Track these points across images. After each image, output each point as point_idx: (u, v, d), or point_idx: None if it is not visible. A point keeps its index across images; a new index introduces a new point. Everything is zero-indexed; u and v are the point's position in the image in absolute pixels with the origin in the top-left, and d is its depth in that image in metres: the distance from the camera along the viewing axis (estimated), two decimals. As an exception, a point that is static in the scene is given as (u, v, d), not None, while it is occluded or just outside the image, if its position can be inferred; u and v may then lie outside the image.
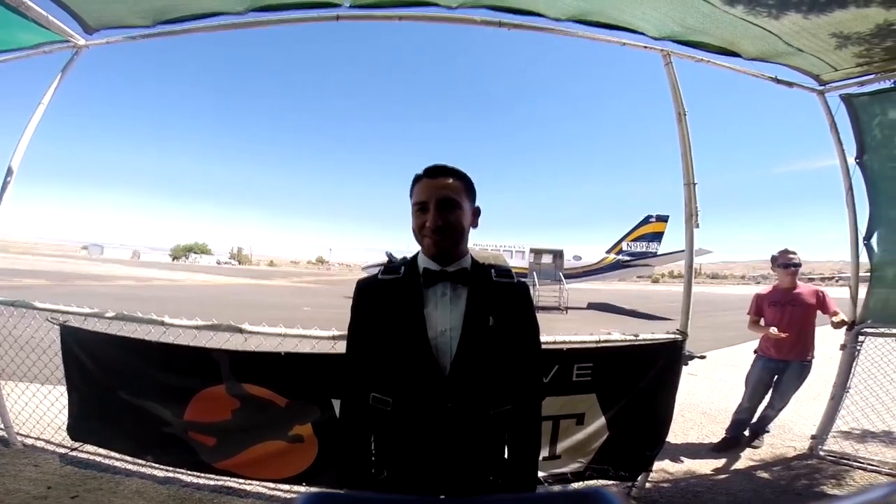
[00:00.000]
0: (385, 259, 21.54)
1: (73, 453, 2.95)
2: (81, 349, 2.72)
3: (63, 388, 2.82)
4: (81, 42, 3.02)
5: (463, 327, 1.29)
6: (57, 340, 2.78)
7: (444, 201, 1.29)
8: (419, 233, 1.33)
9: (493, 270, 1.39)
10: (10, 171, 3.04)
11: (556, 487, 2.64)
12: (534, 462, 1.39)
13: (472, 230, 1.42)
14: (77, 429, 2.80)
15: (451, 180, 1.32)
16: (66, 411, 2.81)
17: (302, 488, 2.60)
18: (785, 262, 3.83)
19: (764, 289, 4.11)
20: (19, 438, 3.08)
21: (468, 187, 1.37)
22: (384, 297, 1.36)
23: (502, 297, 1.36)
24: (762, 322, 3.91)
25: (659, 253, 23.43)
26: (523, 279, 1.47)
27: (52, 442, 3.09)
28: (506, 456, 1.39)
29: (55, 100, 3.14)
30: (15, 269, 24.32)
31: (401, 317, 1.31)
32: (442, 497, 1.31)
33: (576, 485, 2.68)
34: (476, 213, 1.42)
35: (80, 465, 2.84)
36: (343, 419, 1.41)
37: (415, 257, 1.40)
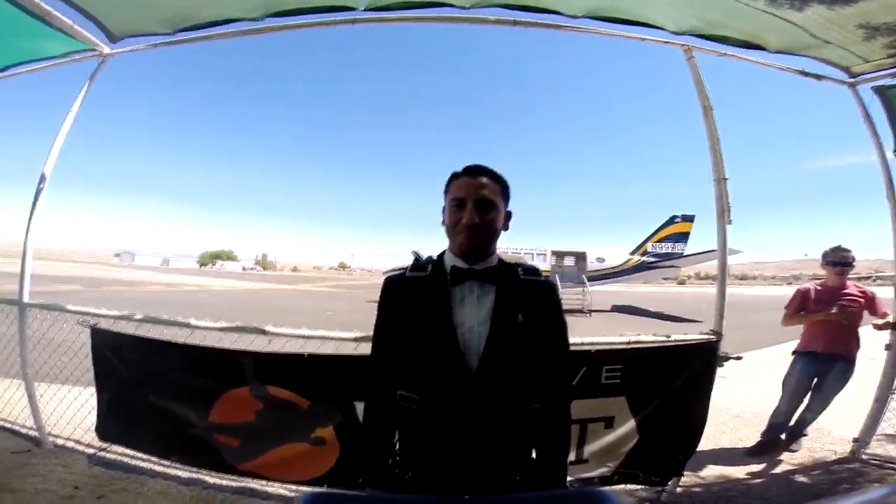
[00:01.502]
0: (398, 266, 21.62)
1: (101, 454, 3.01)
2: (111, 351, 2.77)
3: (93, 390, 2.87)
4: (106, 50, 3.10)
5: (491, 324, 1.28)
6: (88, 343, 2.84)
7: (481, 200, 1.30)
8: (453, 229, 1.34)
9: (520, 269, 1.39)
10: (42, 178, 3.12)
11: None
12: (563, 462, 1.37)
13: (502, 233, 1.41)
14: (105, 429, 2.85)
15: (489, 181, 1.34)
16: (95, 412, 2.87)
17: (322, 490, 2.59)
18: (836, 260, 3.66)
19: (809, 284, 3.92)
20: (51, 439, 3.16)
21: (504, 190, 1.38)
22: (411, 295, 1.36)
23: (530, 295, 1.35)
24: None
25: (685, 254, 22.87)
26: (546, 280, 1.46)
27: (81, 442, 3.15)
28: (533, 455, 1.37)
29: (85, 108, 3.23)
30: (50, 275, 25.25)
31: (428, 314, 1.31)
32: (443, 497, 1.29)
33: (615, 488, 2.61)
34: (508, 216, 1.42)
35: (108, 466, 2.89)
36: (368, 417, 1.41)
37: (441, 255, 1.41)
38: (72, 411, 3.27)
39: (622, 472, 2.60)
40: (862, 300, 3.56)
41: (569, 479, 2.48)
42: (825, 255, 3.74)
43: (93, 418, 2.89)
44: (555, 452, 1.36)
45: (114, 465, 2.90)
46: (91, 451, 3.05)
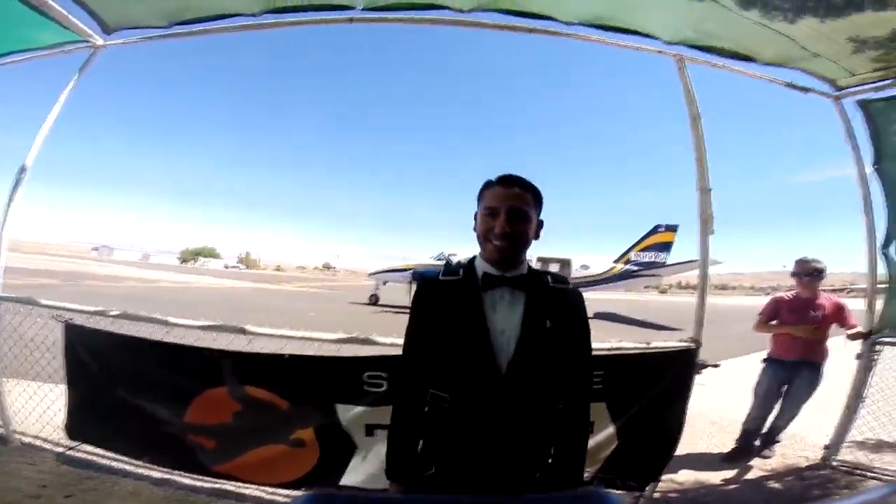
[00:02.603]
0: (383, 268, 21.70)
1: (70, 452, 2.92)
2: (84, 347, 2.70)
3: (63, 387, 2.79)
4: (100, 42, 3.03)
5: (521, 329, 1.34)
6: (61, 338, 2.76)
7: (514, 211, 1.34)
8: (484, 237, 1.38)
9: (549, 277, 1.45)
10: (23, 170, 3.03)
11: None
12: (581, 460, 1.44)
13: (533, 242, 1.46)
14: (75, 427, 2.77)
15: (522, 191, 1.37)
16: (64, 410, 2.79)
17: (323, 491, 2.56)
18: (804, 271, 3.74)
19: (784, 294, 4.00)
20: (17, 436, 3.06)
21: (537, 200, 1.42)
22: (444, 297, 1.40)
23: (558, 302, 1.41)
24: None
25: (668, 263, 23.20)
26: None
27: (49, 440, 3.05)
28: (552, 453, 1.42)
29: (73, 100, 3.15)
30: (26, 268, 24.54)
31: (462, 317, 1.35)
32: (445, 496, 1.32)
33: None
34: (539, 225, 1.46)
35: (77, 465, 2.81)
36: (398, 412, 1.45)
37: (472, 261, 1.46)
38: (41, 408, 3.17)
39: (601, 477, 2.60)
40: (831, 311, 3.64)
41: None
42: (794, 268, 3.83)
43: (62, 416, 2.81)
44: (574, 451, 1.43)
45: (83, 464, 2.82)
46: (59, 449, 2.96)
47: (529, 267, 1.44)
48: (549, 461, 1.40)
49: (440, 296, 1.41)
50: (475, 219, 1.44)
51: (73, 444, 2.91)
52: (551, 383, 1.37)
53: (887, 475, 3.26)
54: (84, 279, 23.42)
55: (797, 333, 3.64)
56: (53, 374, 3.02)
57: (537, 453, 1.38)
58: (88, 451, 2.90)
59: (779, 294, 4.07)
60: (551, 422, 1.39)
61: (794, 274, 3.82)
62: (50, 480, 2.61)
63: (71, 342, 2.73)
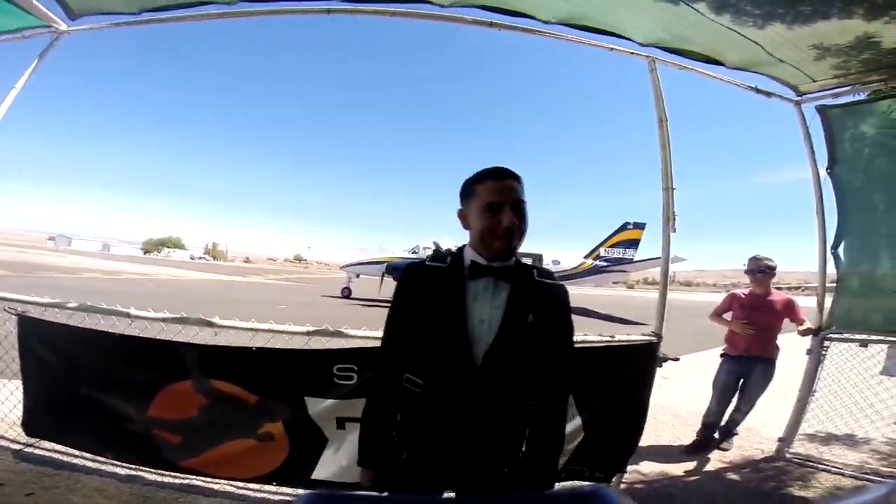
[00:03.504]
0: (356, 261, 21.50)
1: (29, 450, 2.80)
2: (40, 341, 2.59)
3: (19, 382, 2.68)
4: (63, 27, 2.90)
5: (502, 320, 1.33)
6: (14, 332, 2.65)
7: (517, 203, 1.34)
8: (490, 233, 1.34)
9: (535, 270, 1.43)
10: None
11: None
12: (555, 460, 1.43)
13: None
14: (33, 424, 2.67)
15: (517, 182, 1.36)
16: (20, 406, 2.68)
17: (272, 488, 2.53)
18: (754, 268, 3.92)
19: (740, 291, 4.19)
20: (-30, 434, 2.91)
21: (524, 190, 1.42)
22: (429, 283, 1.39)
23: (542, 296, 1.40)
24: (728, 318, 4.03)
25: (635, 259, 23.83)
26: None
27: (5, 438, 2.92)
28: (524, 450, 1.42)
29: (31, 87, 2.99)
30: (-29, 258, 23.26)
31: (442, 303, 1.35)
32: (445, 497, 1.35)
33: (565, 484, 2.68)
34: None
35: (37, 462, 2.70)
36: (371, 398, 1.47)
37: (461, 250, 1.45)
38: (-6, 405, 3.04)
39: (569, 469, 2.67)
40: (782, 307, 3.82)
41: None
42: (747, 264, 4.01)
43: (18, 412, 2.70)
44: (547, 450, 1.41)
45: (43, 461, 2.71)
46: (17, 446, 2.84)
47: (516, 258, 1.43)
48: (520, 457, 1.40)
49: (424, 282, 1.40)
50: (460, 217, 1.43)
51: (31, 441, 2.80)
52: (527, 378, 1.37)
53: (836, 468, 3.43)
54: (39, 270, 22.32)
55: (731, 327, 3.91)
56: (6, 370, 2.89)
57: (506, 447, 1.38)
58: (48, 449, 2.80)
59: (735, 290, 4.27)
60: (523, 417, 1.39)
61: (747, 271, 4.00)
62: (8, 478, 2.51)
63: (26, 336, 2.62)
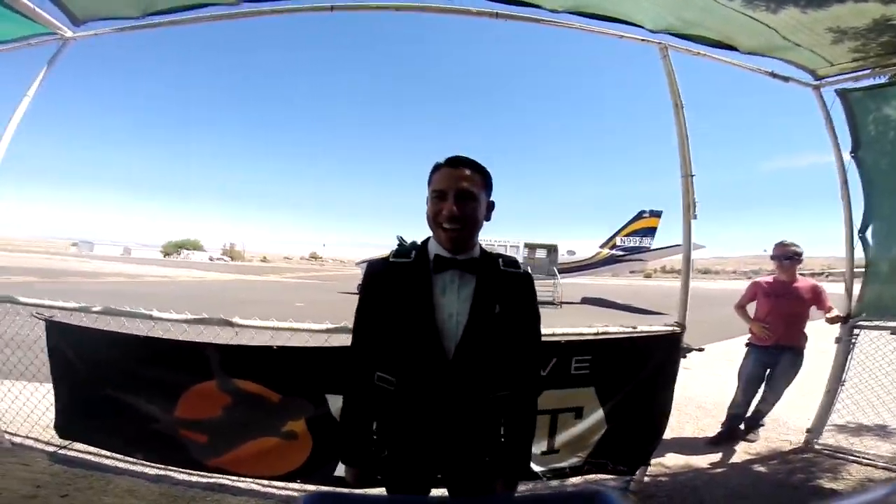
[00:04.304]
0: (371, 257, 21.37)
1: (63, 452, 2.89)
2: (68, 345, 2.65)
3: (51, 386, 2.75)
4: (69, 34, 2.94)
5: (470, 313, 1.32)
6: (43, 336, 2.71)
7: (462, 192, 1.32)
8: (434, 220, 1.35)
9: (500, 260, 1.43)
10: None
11: (555, 483, 2.62)
12: (528, 446, 1.45)
13: (484, 223, 1.44)
14: (65, 427, 2.74)
15: (470, 172, 1.35)
16: (53, 409, 2.75)
17: (296, 485, 2.56)
18: (780, 254, 3.82)
19: (762, 278, 4.09)
20: (7, 437, 3.02)
21: (486, 181, 1.40)
22: (394, 279, 1.38)
23: (509, 286, 1.39)
24: (751, 310, 3.94)
25: (653, 248, 23.51)
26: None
27: (40, 440, 3.02)
28: (502, 439, 1.43)
29: (43, 94, 3.05)
30: (2, 266, 23.97)
31: (410, 299, 1.34)
32: (445, 497, 1.36)
33: (574, 480, 2.66)
34: (490, 206, 1.45)
35: (70, 464, 2.78)
36: (347, 397, 1.46)
37: (425, 242, 1.44)
38: (28, 408, 3.14)
39: (592, 462, 2.65)
40: (808, 294, 3.72)
41: (541, 469, 2.54)
42: (773, 250, 3.90)
43: (51, 415, 2.77)
44: (520, 437, 1.42)
45: (77, 463, 2.79)
46: (51, 448, 2.94)
47: (482, 250, 1.43)
48: (498, 445, 1.41)
49: (389, 278, 1.39)
50: (427, 203, 1.42)
51: (65, 443, 2.88)
52: (498, 369, 1.37)
53: (867, 459, 3.34)
54: (65, 276, 22.93)
55: (752, 329, 3.84)
56: (38, 374, 2.98)
57: (484, 438, 1.39)
58: (81, 450, 2.88)
59: (759, 279, 4.16)
60: (497, 408, 1.40)
61: (773, 257, 3.89)
62: (44, 480, 2.58)
63: (54, 340, 2.68)
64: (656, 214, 23.65)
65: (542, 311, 1.50)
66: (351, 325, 2.48)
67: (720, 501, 2.83)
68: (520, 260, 1.51)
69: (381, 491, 1.44)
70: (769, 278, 3.99)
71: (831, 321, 3.56)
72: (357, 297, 1.49)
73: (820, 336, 3.78)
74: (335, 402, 2.41)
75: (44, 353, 2.74)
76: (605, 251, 23.93)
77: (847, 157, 3.47)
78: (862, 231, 3.47)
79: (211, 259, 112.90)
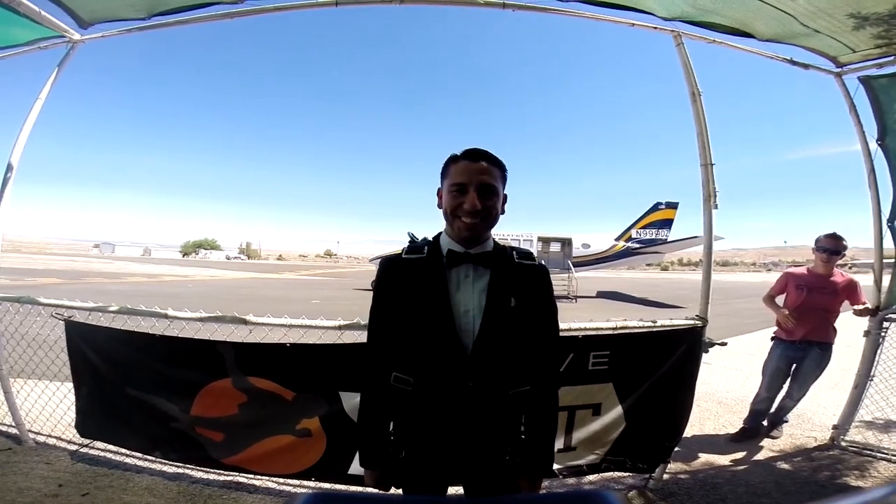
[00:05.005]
0: (384, 253, 21.36)
1: (84, 450, 2.94)
2: (87, 344, 2.69)
3: (71, 385, 2.80)
4: (77, 37, 2.96)
5: (485, 308, 1.30)
6: (63, 336, 2.75)
7: (484, 186, 1.30)
8: (452, 213, 1.32)
9: (514, 253, 1.41)
10: (10, 168, 2.99)
11: (571, 480, 2.58)
12: (551, 442, 1.40)
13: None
14: (85, 425, 2.78)
15: (490, 165, 1.32)
16: (74, 408, 2.80)
17: (311, 483, 2.56)
18: (825, 247, 3.60)
19: (796, 269, 3.93)
20: (31, 436, 3.08)
21: (503, 174, 1.38)
22: (408, 276, 1.36)
23: (524, 279, 1.37)
24: (781, 301, 3.79)
25: (669, 240, 23.15)
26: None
27: (62, 439, 3.08)
28: (522, 436, 1.40)
29: (55, 97, 3.10)
30: (28, 268, 24.66)
31: (425, 296, 1.32)
32: (445, 496, 1.34)
33: (591, 477, 2.62)
34: (504, 200, 1.41)
35: (91, 462, 2.83)
36: (364, 398, 1.43)
37: (437, 238, 1.41)
38: (51, 407, 3.20)
39: (610, 460, 2.60)
40: (843, 289, 3.55)
41: (558, 467, 2.50)
42: (818, 240, 3.68)
43: (73, 414, 2.82)
44: (542, 434, 1.39)
45: (97, 462, 2.84)
46: (73, 447, 2.99)
47: (495, 243, 1.41)
48: (519, 443, 1.38)
49: (403, 275, 1.36)
50: (438, 196, 1.39)
51: (86, 441, 2.93)
52: (517, 364, 1.35)
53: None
54: (87, 277, 23.47)
55: (778, 317, 3.68)
56: (59, 373, 3.03)
57: (505, 435, 1.36)
58: (102, 449, 2.93)
59: (792, 269, 4.00)
60: (518, 403, 1.37)
61: (817, 249, 3.66)
62: (66, 479, 2.63)
63: (73, 340, 2.73)
64: (672, 206, 23.27)
65: (558, 305, 1.46)
66: (364, 322, 2.48)
67: (742, 499, 2.76)
68: (533, 253, 1.47)
69: (398, 492, 1.41)
70: (803, 270, 3.83)
71: (860, 314, 3.44)
72: (370, 293, 1.47)
73: (847, 329, 3.65)
74: (349, 400, 2.40)
75: (65, 353, 2.78)
76: (621, 244, 23.63)
77: (874, 145, 3.34)
78: (891, 220, 3.34)
79: (228, 258, 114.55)
